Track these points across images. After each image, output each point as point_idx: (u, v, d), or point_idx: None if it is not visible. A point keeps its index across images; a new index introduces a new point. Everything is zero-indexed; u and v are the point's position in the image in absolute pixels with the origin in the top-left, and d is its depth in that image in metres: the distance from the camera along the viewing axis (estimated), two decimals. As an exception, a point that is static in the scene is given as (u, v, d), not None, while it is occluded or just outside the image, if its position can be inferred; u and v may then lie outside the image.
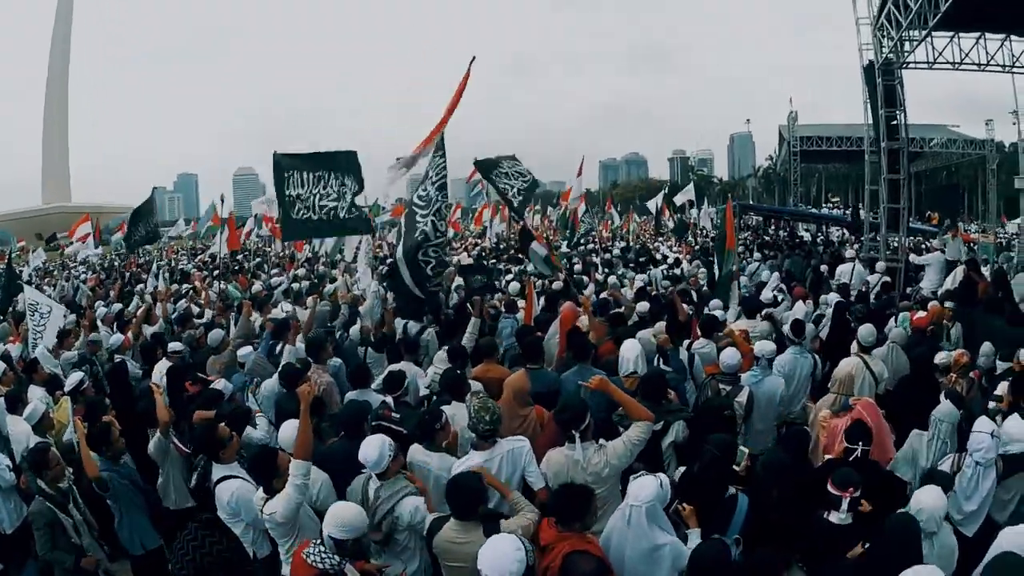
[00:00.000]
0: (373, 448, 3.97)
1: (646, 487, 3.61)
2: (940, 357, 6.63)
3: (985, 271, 12.31)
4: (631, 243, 26.58)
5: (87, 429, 5.37)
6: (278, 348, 7.52)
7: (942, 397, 5.26)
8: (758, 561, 3.51)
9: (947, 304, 8.79)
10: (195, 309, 11.66)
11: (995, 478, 4.47)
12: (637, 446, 4.28)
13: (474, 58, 7.91)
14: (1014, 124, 26.41)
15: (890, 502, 4.13)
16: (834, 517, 3.93)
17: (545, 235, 24.25)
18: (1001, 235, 28.54)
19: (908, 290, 12.98)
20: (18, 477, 5.50)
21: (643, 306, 8.78)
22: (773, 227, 30.63)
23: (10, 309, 13.12)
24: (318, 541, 3.38)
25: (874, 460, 4.73)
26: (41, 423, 6.09)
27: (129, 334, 9.23)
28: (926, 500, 3.79)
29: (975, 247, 20.65)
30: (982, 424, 4.55)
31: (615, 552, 3.61)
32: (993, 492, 4.46)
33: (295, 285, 13.47)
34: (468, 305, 8.90)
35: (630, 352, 5.86)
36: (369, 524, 3.75)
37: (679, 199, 33.61)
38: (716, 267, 8.33)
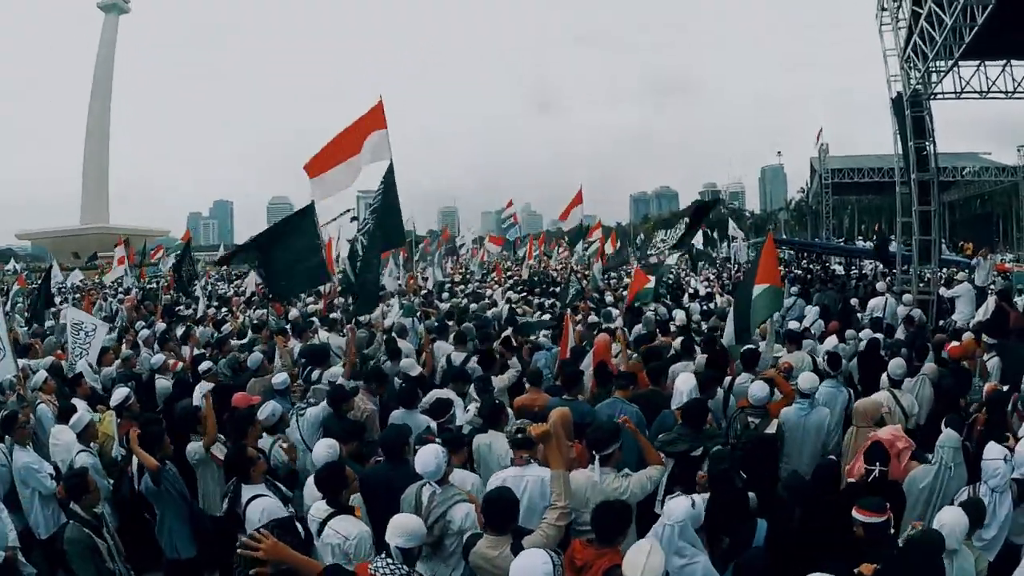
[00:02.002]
0: (430, 458, 4.16)
1: (679, 507, 3.79)
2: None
3: (1020, 300, 12.16)
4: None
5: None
6: (315, 375, 7.71)
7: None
8: None
9: (984, 338, 8.70)
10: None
11: (1011, 503, 4.50)
12: (653, 481, 4.63)
13: (381, 96, 7.95)
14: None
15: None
16: None
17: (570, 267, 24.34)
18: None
19: (941, 322, 12.85)
20: (59, 484, 5.58)
21: (678, 341, 8.90)
22: (805, 260, 30.39)
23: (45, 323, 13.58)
24: (384, 555, 3.44)
25: (894, 480, 4.81)
26: (86, 432, 6.30)
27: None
28: (947, 518, 3.85)
29: (1010, 276, 20.30)
30: (993, 451, 4.58)
31: None
32: (1011, 517, 4.48)
33: (332, 314, 13.73)
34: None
35: (684, 385, 6.05)
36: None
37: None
38: (741, 304, 7.92)
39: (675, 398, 5.96)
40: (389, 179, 7.78)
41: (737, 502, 4.43)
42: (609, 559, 3.56)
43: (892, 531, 4.12)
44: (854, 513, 4.00)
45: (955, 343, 8.52)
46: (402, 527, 3.49)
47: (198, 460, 5.73)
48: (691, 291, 19.47)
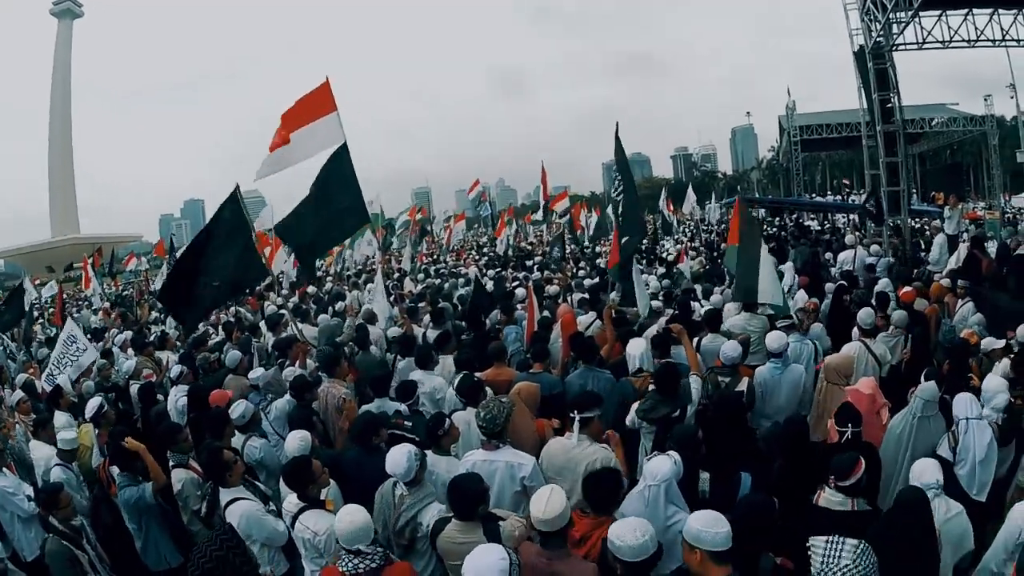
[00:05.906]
0: (401, 459, 3.98)
1: (662, 466, 3.75)
2: (986, 343, 6.56)
3: (992, 247, 12.29)
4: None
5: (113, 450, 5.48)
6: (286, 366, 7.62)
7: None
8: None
9: (960, 283, 8.83)
10: (211, 331, 12.01)
11: (992, 437, 4.53)
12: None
13: (327, 77, 7.45)
14: (1012, 98, 26.48)
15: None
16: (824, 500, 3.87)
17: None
18: (1008, 211, 28.36)
19: (914, 271, 12.97)
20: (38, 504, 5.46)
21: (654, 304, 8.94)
22: (779, 219, 30.60)
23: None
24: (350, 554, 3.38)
25: (867, 442, 4.71)
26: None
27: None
28: (924, 465, 3.92)
29: (982, 224, 20.57)
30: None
31: None
32: (996, 453, 4.50)
33: (304, 305, 13.64)
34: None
35: (635, 350, 6.03)
36: (394, 530, 3.95)
37: (686, 207, 32.94)
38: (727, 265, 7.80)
39: (630, 364, 5.97)
40: (344, 159, 7.40)
41: (688, 484, 4.26)
42: (607, 529, 3.56)
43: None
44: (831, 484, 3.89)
45: (907, 288, 8.68)
46: (354, 534, 3.38)
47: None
48: (663, 254, 19.56)
